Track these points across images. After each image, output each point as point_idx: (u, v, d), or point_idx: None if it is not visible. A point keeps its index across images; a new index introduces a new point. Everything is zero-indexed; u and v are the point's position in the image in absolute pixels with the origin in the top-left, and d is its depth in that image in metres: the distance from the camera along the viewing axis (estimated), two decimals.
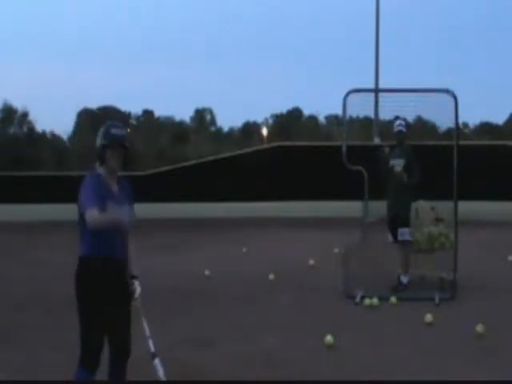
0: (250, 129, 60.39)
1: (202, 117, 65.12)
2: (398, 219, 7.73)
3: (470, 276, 8.29)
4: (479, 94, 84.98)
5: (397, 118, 8.22)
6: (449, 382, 4.62)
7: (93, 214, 3.45)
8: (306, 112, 62.30)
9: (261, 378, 4.71)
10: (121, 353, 3.79)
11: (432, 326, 6.16)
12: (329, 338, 5.53)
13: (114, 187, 3.75)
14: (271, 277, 8.71)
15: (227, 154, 20.14)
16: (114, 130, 3.71)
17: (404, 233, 7.68)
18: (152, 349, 3.75)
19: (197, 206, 17.59)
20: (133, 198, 3.86)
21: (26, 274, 9.53)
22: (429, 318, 6.23)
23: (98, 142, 3.71)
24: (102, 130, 3.73)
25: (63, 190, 17.03)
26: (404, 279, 7.78)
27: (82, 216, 3.57)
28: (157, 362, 3.76)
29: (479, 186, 15.60)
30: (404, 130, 7.89)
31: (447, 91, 7.34)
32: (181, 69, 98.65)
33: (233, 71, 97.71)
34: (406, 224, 7.72)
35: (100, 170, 3.73)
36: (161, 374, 3.74)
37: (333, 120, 56.29)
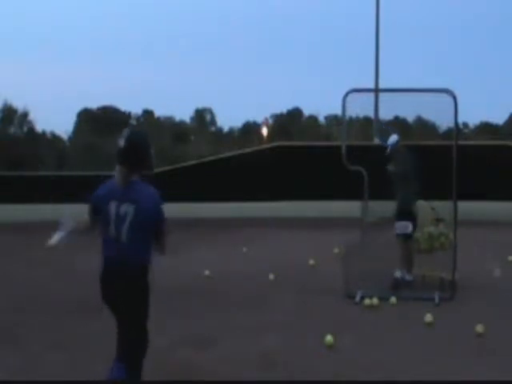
0: (250, 129, 60.34)
1: (202, 117, 65.02)
2: (399, 212, 7.74)
3: (470, 276, 8.29)
4: (479, 94, 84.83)
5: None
6: (449, 382, 4.63)
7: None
8: (306, 112, 62.25)
9: (261, 378, 4.72)
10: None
11: (432, 326, 6.16)
12: (329, 338, 5.53)
13: None
14: (271, 277, 8.71)
15: (227, 154, 20.12)
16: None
17: (399, 226, 7.67)
18: None
19: (197, 206, 17.56)
20: None
21: (26, 274, 9.52)
22: (429, 317, 6.23)
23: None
24: (148, 145, 3.90)
25: (63, 190, 17.18)
26: (397, 273, 7.76)
27: (154, 227, 3.84)
28: None
29: (479, 185, 15.60)
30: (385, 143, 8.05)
31: (447, 91, 7.34)
32: (181, 69, 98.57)
33: (233, 71, 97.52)
34: (405, 217, 7.70)
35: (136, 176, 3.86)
36: None
37: (333, 120, 56.20)
